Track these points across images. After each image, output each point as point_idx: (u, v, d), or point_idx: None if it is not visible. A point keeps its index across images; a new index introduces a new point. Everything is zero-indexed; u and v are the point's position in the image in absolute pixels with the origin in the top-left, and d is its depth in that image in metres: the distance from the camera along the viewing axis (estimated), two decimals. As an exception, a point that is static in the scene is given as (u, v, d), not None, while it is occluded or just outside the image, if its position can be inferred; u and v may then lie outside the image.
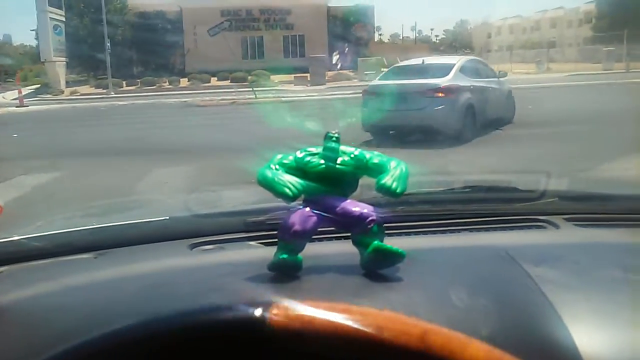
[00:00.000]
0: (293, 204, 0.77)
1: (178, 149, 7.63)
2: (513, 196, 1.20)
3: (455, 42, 50.62)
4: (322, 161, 0.79)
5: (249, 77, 21.23)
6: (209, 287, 0.73)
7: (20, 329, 0.72)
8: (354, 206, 0.78)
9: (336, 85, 19.79)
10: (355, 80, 21.38)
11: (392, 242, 0.76)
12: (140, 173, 5.81)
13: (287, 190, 0.75)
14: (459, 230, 1.02)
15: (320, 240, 0.91)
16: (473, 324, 0.61)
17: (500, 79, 9.47)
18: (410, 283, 0.74)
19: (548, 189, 1.17)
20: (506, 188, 1.31)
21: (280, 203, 0.79)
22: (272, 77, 22.33)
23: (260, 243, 0.97)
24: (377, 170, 0.79)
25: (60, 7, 23.95)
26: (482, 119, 8.23)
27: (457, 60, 8.74)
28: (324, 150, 0.79)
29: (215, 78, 23.76)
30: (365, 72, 20.36)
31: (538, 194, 1.15)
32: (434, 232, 1.01)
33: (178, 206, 1.32)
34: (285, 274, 0.75)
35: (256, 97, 15.31)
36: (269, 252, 0.77)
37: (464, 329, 0.58)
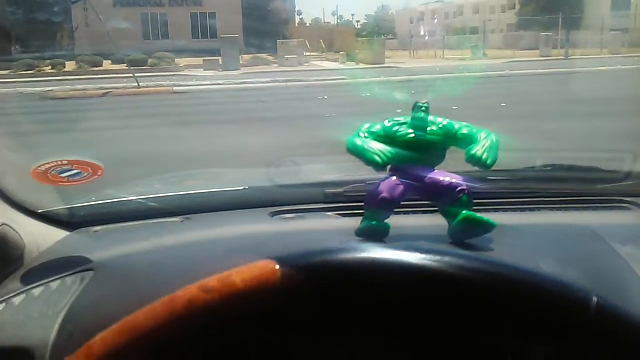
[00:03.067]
0: (374, 175, 0.78)
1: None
2: (596, 176, 1.17)
3: (378, 28, 49.20)
4: (411, 130, 0.79)
5: (150, 61, 18.80)
6: (291, 251, 0.66)
7: (115, 284, 0.76)
8: (443, 176, 0.78)
9: (253, 71, 17.43)
10: (275, 65, 19.15)
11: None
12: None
13: (377, 158, 0.75)
14: (540, 209, 1.01)
15: (406, 213, 0.92)
16: None
17: None
18: (499, 253, 0.74)
19: (633, 171, 1.12)
20: (589, 168, 1.23)
21: (357, 176, 0.90)
22: (177, 60, 19.64)
23: (337, 214, 0.99)
24: (467, 141, 0.79)
25: None
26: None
27: None
28: (412, 120, 0.80)
29: (109, 61, 20.35)
30: (287, 57, 18.48)
31: (623, 175, 1.11)
32: (516, 210, 1.00)
33: (259, 176, 1.30)
34: (373, 240, 0.76)
35: (139, 87, 12.31)
36: (346, 223, 0.82)
37: None
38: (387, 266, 0.49)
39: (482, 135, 0.79)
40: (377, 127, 0.81)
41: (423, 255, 0.49)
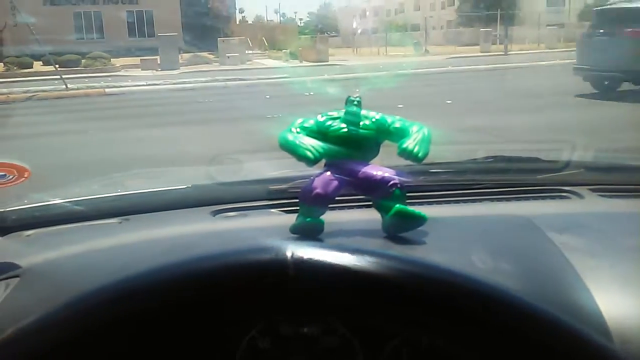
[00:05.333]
0: (313, 170, 0.77)
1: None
2: (536, 166, 1.17)
3: (321, 25, 49.12)
4: (344, 125, 0.79)
5: (83, 61, 18.27)
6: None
7: (40, 290, 0.73)
8: (375, 170, 0.78)
9: (192, 70, 17.02)
10: (216, 63, 18.81)
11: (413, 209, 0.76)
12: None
13: (309, 154, 0.75)
14: (480, 200, 1.00)
15: (341, 208, 0.92)
16: None
17: None
18: (432, 246, 0.75)
19: (572, 160, 1.15)
20: (529, 158, 1.23)
21: (301, 172, 0.85)
22: (113, 60, 19.00)
23: (281, 210, 0.96)
24: (399, 135, 0.79)
25: None
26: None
27: None
28: (345, 114, 0.80)
29: (40, 62, 19.39)
30: (228, 55, 18.17)
31: (562, 165, 1.13)
32: (456, 202, 0.99)
33: (200, 175, 1.26)
34: (307, 237, 0.76)
35: (67, 89, 11.72)
36: (290, 219, 0.79)
37: None
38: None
39: (414, 128, 0.79)
40: (310, 122, 0.81)
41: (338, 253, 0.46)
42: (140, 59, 18.42)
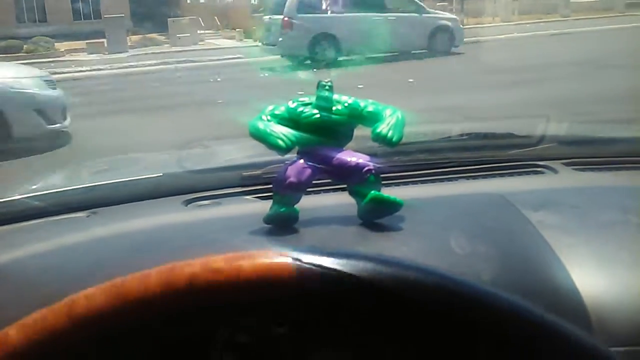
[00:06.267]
0: (287, 156, 0.77)
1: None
2: (510, 142, 1.17)
3: (276, 3, 48.29)
4: (316, 111, 0.78)
5: (25, 47, 17.22)
6: (204, 241, 0.72)
7: (12, 291, 0.71)
8: (349, 156, 0.78)
9: (142, 52, 16.42)
10: (167, 44, 18.27)
11: (389, 192, 0.76)
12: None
13: (280, 142, 0.74)
14: (456, 178, 1.00)
15: (316, 192, 0.91)
16: (474, 270, 0.62)
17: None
18: (409, 231, 0.75)
19: (546, 134, 1.15)
20: (503, 134, 1.23)
21: (275, 156, 0.81)
22: (57, 44, 18.03)
23: (256, 197, 0.95)
24: (372, 119, 0.79)
25: None
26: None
27: None
28: (317, 99, 0.79)
29: (-22, 49, 18.45)
30: (179, 36, 17.70)
31: (536, 140, 1.12)
32: (431, 181, 1.00)
33: (171, 162, 1.25)
34: (282, 226, 0.75)
35: None
36: (265, 206, 0.77)
37: (465, 275, 0.55)
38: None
39: (388, 112, 0.79)
40: (281, 109, 0.79)
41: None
42: (86, 43, 17.67)
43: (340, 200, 0.81)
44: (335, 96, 0.78)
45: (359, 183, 0.75)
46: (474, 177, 0.99)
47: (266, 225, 0.75)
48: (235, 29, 20.62)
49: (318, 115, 0.77)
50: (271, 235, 0.73)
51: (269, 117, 0.76)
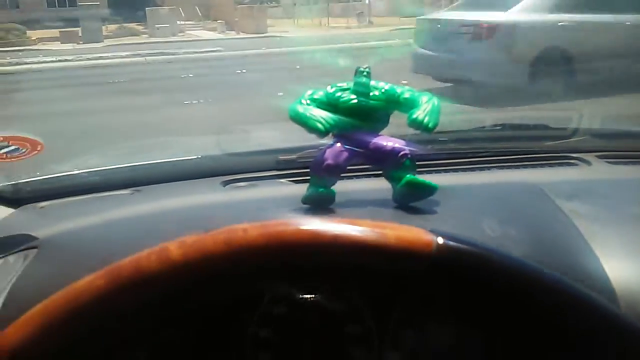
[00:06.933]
0: (323, 140, 0.79)
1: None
2: (544, 134, 1.19)
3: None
4: (354, 96, 0.80)
5: None
6: (243, 219, 0.74)
7: (59, 261, 0.75)
8: (386, 141, 0.79)
9: (118, 43, 15.73)
10: (145, 35, 17.73)
11: (424, 178, 0.78)
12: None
13: (319, 125, 0.76)
14: (489, 168, 1.02)
15: (351, 177, 0.92)
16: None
17: None
18: (442, 214, 0.77)
19: (579, 127, 1.16)
20: (537, 126, 1.26)
21: (310, 142, 0.86)
22: (29, 32, 17.32)
23: (290, 180, 0.98)
24: (409, 105, 0.80)
25: None
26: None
27: None
28: (354, 85, 0.81)
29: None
30: (157, 26, 17.14)
31: (569, 132, 1.14)
32: (464, 170, 1.01)
33: (210, 145, 1.24)
34: (318, 207, 0.78)
35: None
36: (299, 189, 0.80)
37: None
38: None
39: (424, 98, 0.80)
40: (320, 94, 0.81)
41: None
42: (60, 31, 16.94)
43: (374, 185, 0.84)
44: (373, 82, 0.80)
45: (395, 167, 0.78)
46: (508, 167, 1.01)
47: (301, 206, 0.78)
48: (217, 20, 19.99)
49: (355, 100, 0.79)
50: (308, 215, 0.74)
51: (308, 101, 0.79)
